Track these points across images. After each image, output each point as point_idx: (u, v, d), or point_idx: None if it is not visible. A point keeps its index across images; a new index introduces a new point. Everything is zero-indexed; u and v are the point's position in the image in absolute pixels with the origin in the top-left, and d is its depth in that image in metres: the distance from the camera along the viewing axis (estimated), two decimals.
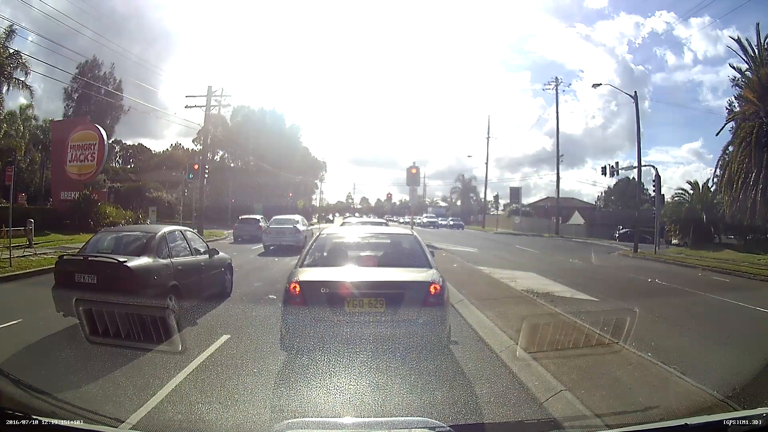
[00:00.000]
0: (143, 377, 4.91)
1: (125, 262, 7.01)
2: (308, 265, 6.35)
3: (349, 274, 6.03)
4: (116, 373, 5.08)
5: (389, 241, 7.38)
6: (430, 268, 6.13)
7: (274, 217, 23.95)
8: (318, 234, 7.35)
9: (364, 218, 32.52)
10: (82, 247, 8.29)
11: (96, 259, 7.27)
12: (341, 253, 6.68)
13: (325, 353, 5.37)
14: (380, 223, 19.88)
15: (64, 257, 7.86)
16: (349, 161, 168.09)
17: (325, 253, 6.70)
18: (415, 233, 7.76)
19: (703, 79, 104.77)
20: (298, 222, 23.04)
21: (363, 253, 6.84)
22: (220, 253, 10.11)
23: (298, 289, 5.52)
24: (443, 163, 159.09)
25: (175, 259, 8.08)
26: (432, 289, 5.53)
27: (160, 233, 8.21)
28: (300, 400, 4.57)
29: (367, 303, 5.39)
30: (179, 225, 13.31)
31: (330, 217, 77.58)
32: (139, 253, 7.52)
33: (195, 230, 12.60)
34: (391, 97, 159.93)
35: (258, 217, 28.08)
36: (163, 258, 7.77)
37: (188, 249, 8.84)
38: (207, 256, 9.35)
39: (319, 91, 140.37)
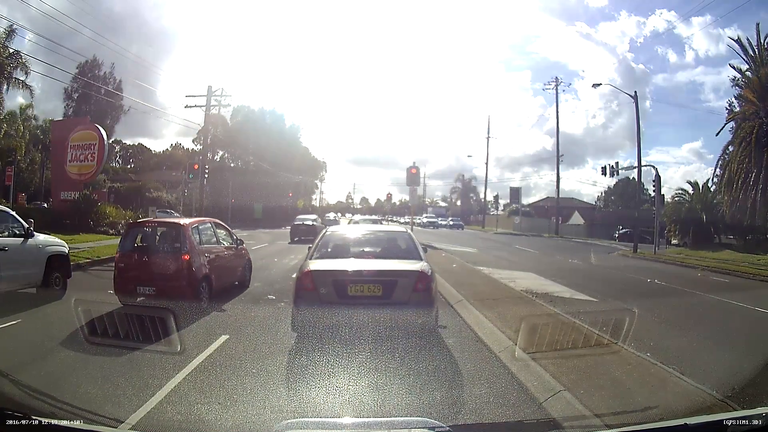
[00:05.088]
0: (142, 378, 4.90)
1: (315, 221, 29.78)
2: (317, 258, 7.08)
3: (351, 264, 6.85)
4: (115, 373, 5.07)
5: (386, 237, 8.23)
6: (421, 260, 6.94)
7: (297, 217, 34.17)
8: (324, 232, 8.16)
9: (369, 218, 41.18)
10: (297, 219, 30.96)
11: (305, 223, 28.82)
12: (345, 248, 7.56)
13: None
14: (376, 221, 26.07)
15: (296, 222, 29.42)
16: (348, 161, 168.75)
17: (331, 248, 7.49)
18: (409, 231, 8.66)
19: (704, 79, 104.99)
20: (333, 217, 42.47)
21: (363, 248, 7.67)
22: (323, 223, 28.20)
23: (309, 276, 6.33)
24: (443, 162, 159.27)
25: (318, 223, 28.34)
26: (422, 277, 6.35)
27: (315, 217, 32.44)
28: (299, 401, 4.58)
29: (367, 288, 6.20)
30: None
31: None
32: (314, 221, 29.75)
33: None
34: (391, 97, 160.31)
35: (312, 217, 34.30)
36: (318, 223, 28.45)
37: (316, 221, 30.55)
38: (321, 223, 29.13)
39: (319, 91, 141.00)
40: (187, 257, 8.69)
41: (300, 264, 7.28)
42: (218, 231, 10.59)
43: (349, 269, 6.58)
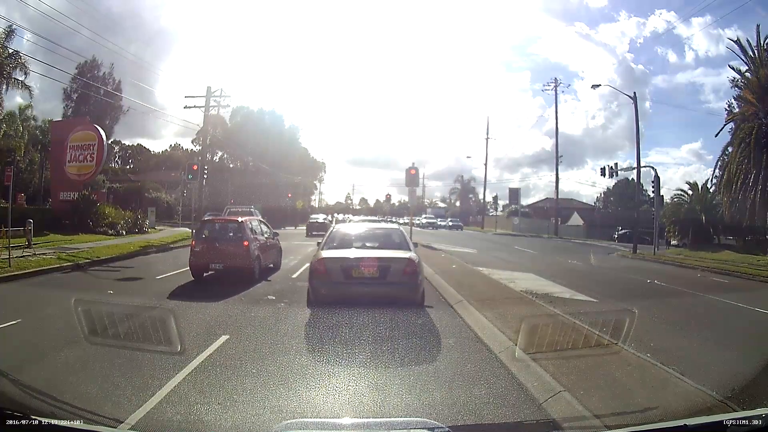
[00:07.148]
0: (142, 377, 4.89)
1: (325, 219, 38.74)
2: (327, 248, 8.74)
3: (355, 253, 8.54)
4: (115, 373, 5.07)
5: (383, 233, 9.88)
6: (410, 251, 8.71)
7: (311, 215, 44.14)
8: (332, 229, 9.99)
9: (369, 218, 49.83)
10: (312, 218, 39.91)
11: (318, 221, 36.50)
12: (349, 240, 9.19)
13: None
14: (376, 221, 31.74)
15: (310, 220, 37.58)
16: (348, 162, 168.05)
17: (337, 241, 9.11)
18: (401, 228, 10.49)
19: (703, 80, 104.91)
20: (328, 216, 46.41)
21: (364, 241, 9.27)
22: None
23: (322, 263, 8.11)
24: (442, 163, 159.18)
25: (327, 221, 35.19)
26: (410, 263, 8.13)
27: (325, 216, 42.44)
28: (299, 401, 4.57)
29: (367, 272, 7.93)
30: (179, 226, 21.75)
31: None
32: (324, 219, 38.71)
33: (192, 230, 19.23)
34: (390, 98, 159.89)
35: (323, 216, 43.94)
36: (327, 221, 34.83)
37: (326, 219, 39.63)
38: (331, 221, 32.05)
39: (318, 92, 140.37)
40: (246, 243, 12.08)
41: (297, 265, 8.99)
42: (262, 226, 14.23)
43: (353, 256, 8.29)
